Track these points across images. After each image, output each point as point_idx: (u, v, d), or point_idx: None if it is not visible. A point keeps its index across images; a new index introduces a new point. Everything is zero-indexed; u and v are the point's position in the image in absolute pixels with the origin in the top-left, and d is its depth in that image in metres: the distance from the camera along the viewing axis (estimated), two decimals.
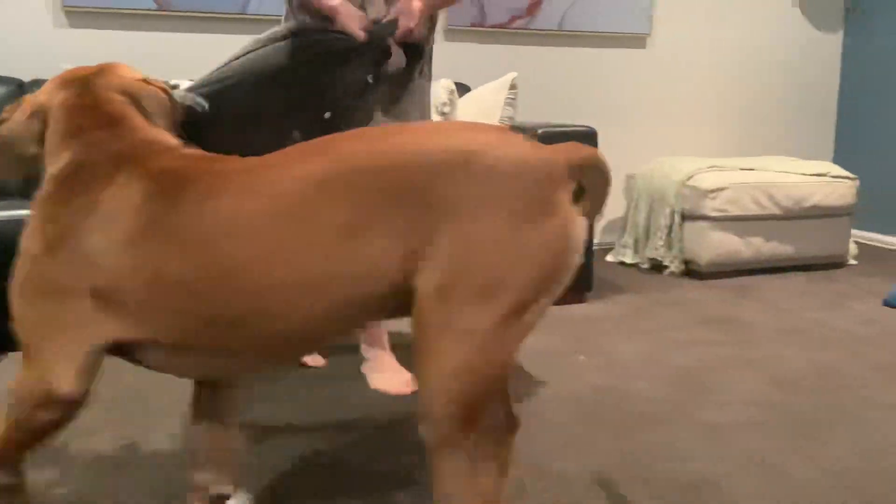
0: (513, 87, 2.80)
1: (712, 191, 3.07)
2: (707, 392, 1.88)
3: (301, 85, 1.42)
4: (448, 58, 3.41)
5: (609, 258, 3.46)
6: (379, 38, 1.52)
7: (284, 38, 1.42)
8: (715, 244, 3.08)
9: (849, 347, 2.22)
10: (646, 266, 3.28)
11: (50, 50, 2.89)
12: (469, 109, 2.86)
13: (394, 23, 1.56)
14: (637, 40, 3.67)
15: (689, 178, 3.15)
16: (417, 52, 1.68)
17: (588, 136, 2.65)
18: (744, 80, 3.92)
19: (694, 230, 3.10)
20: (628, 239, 3.40)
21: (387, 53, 1.53)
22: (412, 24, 1.58)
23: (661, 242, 3.20)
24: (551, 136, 2.59)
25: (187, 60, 3.02)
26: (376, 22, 1.57)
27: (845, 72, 4.06)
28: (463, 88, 3.16)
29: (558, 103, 3.58)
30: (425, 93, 1.86)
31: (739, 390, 1.89)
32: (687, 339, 2.30)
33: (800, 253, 3.21)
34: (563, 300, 2.63)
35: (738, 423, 1.70)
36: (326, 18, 1.59)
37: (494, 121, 2.78)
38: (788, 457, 1.53)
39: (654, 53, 3.72)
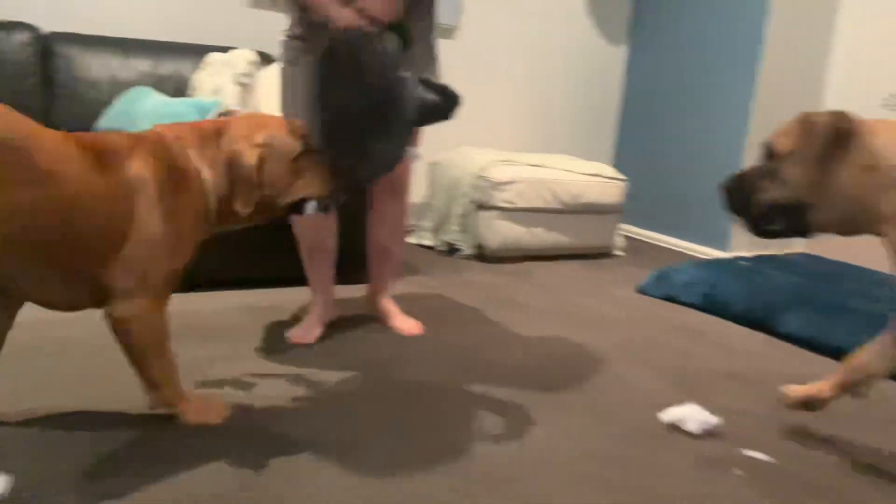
0: None
1: (503, 183, 3.30)
2: (476, 367, 2.05)
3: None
4: (256, 26, 3.33)
5: (411, 240, 3.60)
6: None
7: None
8: (503, 232, 3.32)
9: (600, 327, 2.52)
10: (443, 249, 3.46)
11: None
12: (272, 81, 2.82)
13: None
14: (446, 31, 3.82)
15: (483, 170, 3.36)
16: (406, 34, 1.84)
17: None
18: (538, 79, 4.23)
19: (485, 218, 3.33)
20: (428, 223, 3.55)
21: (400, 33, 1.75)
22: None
23: (457, 228, 3.39)
24: None
25: None
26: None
27: (628, 82, 4.54)
28: (270, 60, 3.11)
29: None
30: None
31: (505, 365, 2.08)
32: (468, 318, 2.48)
33: (575, 243, 3.56)
34: (357, 280, 2.72)
35: (497, 396, 1.88)
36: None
37: None
38: (534, 425, 1.73)
39: (461, 45, 3.90)
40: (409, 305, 2.55)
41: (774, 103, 3.81)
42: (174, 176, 1.38)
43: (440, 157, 3.64)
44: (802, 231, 1.55)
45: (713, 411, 1.81)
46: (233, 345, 2.04)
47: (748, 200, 1.58)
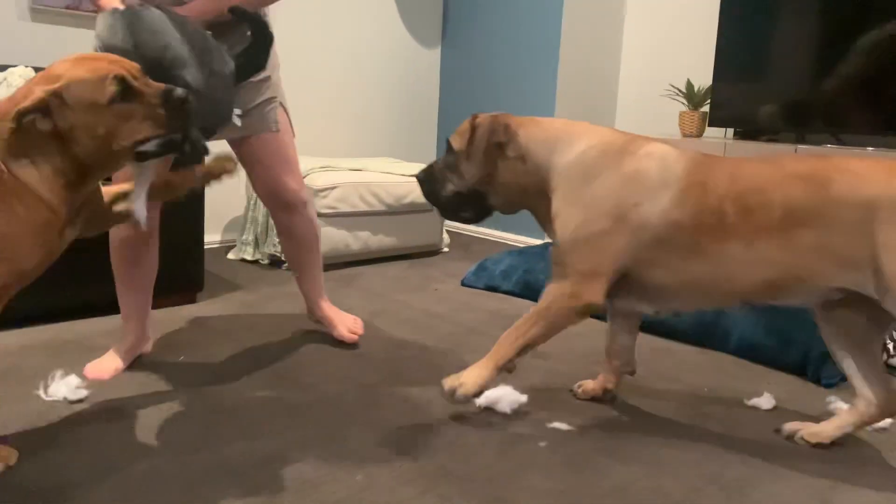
0: None
1: (323, 190, 3.30)
2: (296, 376, 2.04)
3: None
4: (37, 42, 3.08)
5: (231, 255, 3.49)
6: None
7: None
8: (327, 239, 3.32)
9: (424, 323, 2.60)
10: (266, 262, 3.39)
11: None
12: None
13: None
14: None
15: (303, 177, 3.32)
16: (261, 28, 1.72)
17: None
18: (355, 84, 4.27)
19: None
20: (248, 236, 3.47)
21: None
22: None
23: (278, 239, 3.33)
24: None
25: None
26: None
27: (443, 82, 4.69)
28: None
29: None
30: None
31: (324, 371, 2.09)
32: (290, 329, 2.45)
33: (402, 244, 3.63)
34: (172, 301, 2.60)
35: (313, 400, 1.88)
36: None
37: None
38: (352, 425, 1.75)
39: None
40: (229, 323, 2.49)
41: (575, 94, 4.11)
42: None
43: None
44: (487, 214, 1.81)
45: (523, 391, 1.94)
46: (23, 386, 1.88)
47: (437, 191, 1.80)
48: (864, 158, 1.60)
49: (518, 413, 1.87)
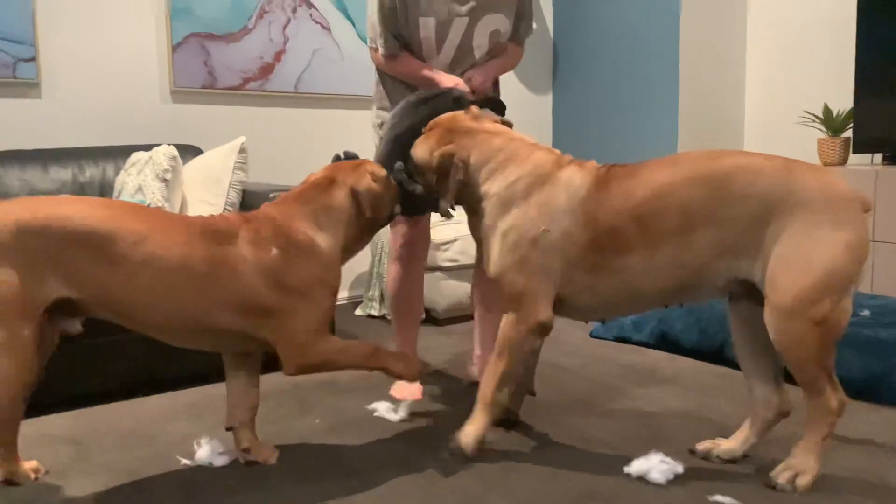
0: (242, 150, 2.80)
1: (444, 243, 3.30)
2: (426, 440, 2.00)
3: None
4: (178, 120, 3.32)
5: (358, 311, 3.55)
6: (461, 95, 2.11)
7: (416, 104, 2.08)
8: (449, 292, 3.31)
9: (553, 378, 2.50)
10: (391, 317, 3.41)
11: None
12: (197, 174, 2.81)
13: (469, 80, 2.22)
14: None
15: None
16: (502, 108, 2.18)
17: None
18: None
19: (431, 280, 3.31)
20: (374, 291, 3.52)
21: (494, 106, 2.13)
22: (479, 78, 2.22)
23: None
24: None
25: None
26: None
27: (556, 126, 4.64)
28: (195, 151, 3.10)
29: (296, 165, 3.64)
30: None
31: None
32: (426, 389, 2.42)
33: None
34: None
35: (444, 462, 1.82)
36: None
37: (225, 186, 2.75)
38: (488, 492, 1.68)
39: None
40: (368, 378, 2.50)
41: (698, 127, 3.93)
42: (283, 244, 1.69)
43: None
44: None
45: (675, 455, 1.79)
46: None
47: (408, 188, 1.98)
48: (763, 154, 1.67)
49: (674, 483, 1.72)
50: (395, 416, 2.15)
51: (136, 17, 3.18)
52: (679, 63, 3.87)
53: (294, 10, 3.55)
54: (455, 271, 3.33)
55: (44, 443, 2.01)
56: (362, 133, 3.84)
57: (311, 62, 3.62)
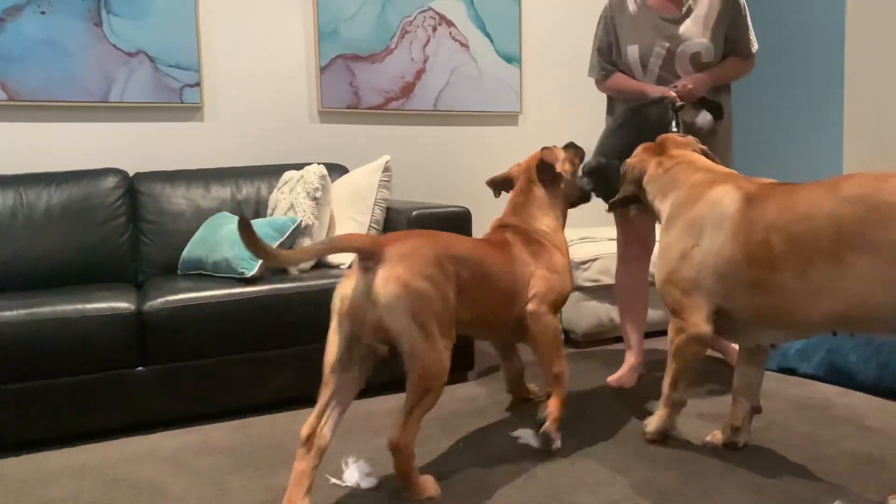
0: (386, 169, 2.84)
1: (585, 262, 3.19)
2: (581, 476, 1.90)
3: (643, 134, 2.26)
4: (325, 140, 3.44)
5: None
6: (671, 101, 2.37)
7: (636, 111, 2.38)
8: (590, 314, 3.18)
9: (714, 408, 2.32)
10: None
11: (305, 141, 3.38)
12: (344, 192, 2.87)
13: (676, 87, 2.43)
14: (509, 118, 3.84)
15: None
16: (719, 111, 2.46)
17: (462, 217, 2.70)
18: None
19: (570, 300, 3.20)
20: None
21: (710, 107, 2.45)
22: (689, 85, 2.41)
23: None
24: (425, 218, 2.63)
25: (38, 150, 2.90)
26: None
27: None
28: (341, 170, 3.18)
29: (436, 183, 3.66)
30: (728, 142, 2.64)
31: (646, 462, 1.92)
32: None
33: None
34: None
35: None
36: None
37: (370, 203, 2.79)
38: None
39: (525, 130, 3.89)
40: (496, 403, 2.44)
41: (865, 148, 3.59)
42: (528, 241, 2.14)
43: None
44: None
45: None
46: None
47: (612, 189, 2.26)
48: None
49: None
50: (535, 443, 2.07)
51: (287, 41, 3.33)
52: (845, 74, 3.55)
53: (434, 29, 3.59)
54: (595, 291, 3.20)
55: (206, 451, 2.10)
56: (500, 149, 3.82)
57: (450, 80, 3.64)
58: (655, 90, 2.43)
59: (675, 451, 2.02)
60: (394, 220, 2.77)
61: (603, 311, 3.21)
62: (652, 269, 3.13)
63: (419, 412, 1.67)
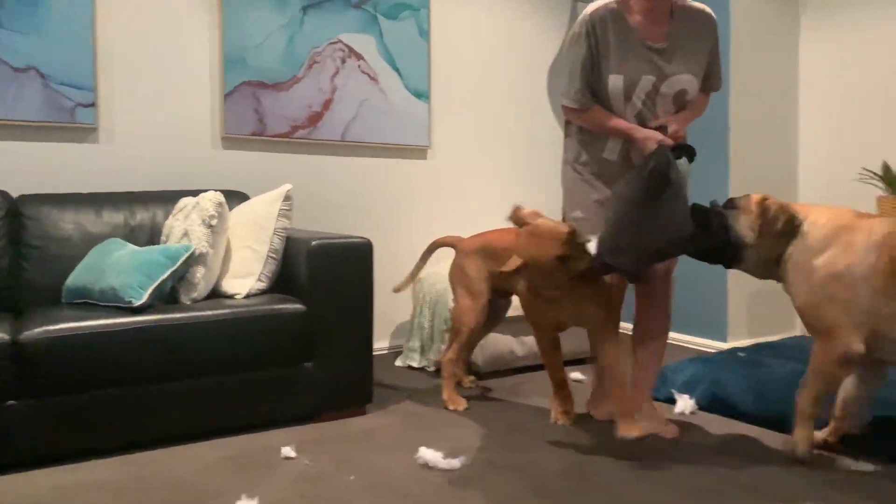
0: (287, 198, 2.81)
1: None
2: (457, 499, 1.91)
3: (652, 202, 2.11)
4: (227, 167, 3.37)
5: (398, 362, 3.50)
6: (670, 148, 2.22)
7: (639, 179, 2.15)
8: (491, 344, 3.23)
9: (597, 442, 2.39)
10: (431, 369, 3.35)
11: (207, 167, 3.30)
12: (243, 220, 2.82)
13: (665, 128, 2.30)
14: (418, 152, 3.89)
15: None
16: (692, 153, 2.31)
17: (362, 248, 2.70)
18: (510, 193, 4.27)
19: None
20: (415, 342, 3.46)
21: (686, 152, 2.29)
22: (675, 126, 2.32)
23: (444, 345, 3.30)
24: (325, 248, 2.61)
25: None
26: (659, 128, 2.30)
27: None
28: (241, 197, 3.13)
29: (340, 213, 3.65)
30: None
31: (496, 493, 1.94)
32: (458, 447, 2.34)
33: (577, 348, 3.44)
34: (341, 413, 2.61)
35: None
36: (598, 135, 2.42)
37: (269, 233, 2.75)
38: None
39: (434, 164, 3.95)
40: (393, 436, 2.43)
41: (751, 182, 3.83)
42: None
43: (423, 272, 3.60)
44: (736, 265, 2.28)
45: None
46: None
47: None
48: None
49: None
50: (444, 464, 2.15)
51: (191, 64, 3.26)
52: (729, 120, 3.81)
53: (343, 61, 3.61)
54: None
55: (89, 489, 1.98)
56: (409, 181, 3.85)
57: (359, 112, 3.66)
58: (642, 133, 2.29)
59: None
60: (293, 249, 2.74)
61: (503, 342, 3.26)
62: None
63: (456, 341, 2.83)
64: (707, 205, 2.27)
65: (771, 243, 2.16)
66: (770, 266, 2.20)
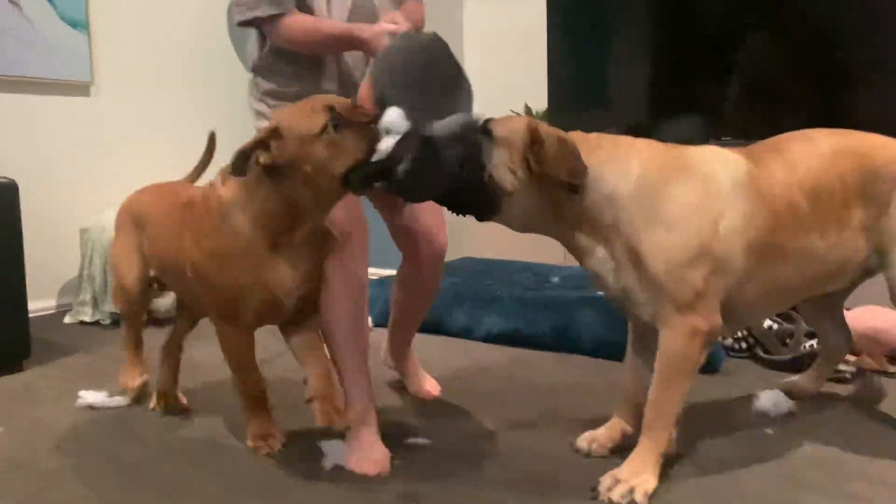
0: None
1: None
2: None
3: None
4: None
5: (68, 319, 3.19)
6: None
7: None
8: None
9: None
10: (107, 322, 3.13)
11: None
12: None
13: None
14: (79, 88, 3.51)
15: None
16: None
17: (8, 189, 2.42)
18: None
19: None
20: (85, 296, 3.19)
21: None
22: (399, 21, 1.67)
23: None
24: None
25: None
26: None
27: None
28: None
29: None
30: None
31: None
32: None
33: None
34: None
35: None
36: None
37: None
38: None
39: (98, 102, 3.60)
40: (55, 390, 2.25)
41: None
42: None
43: (90, 222, 3.31)
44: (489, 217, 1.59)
45: None
46: None
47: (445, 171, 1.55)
48: (875, 134, 1.62)
49: None
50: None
51: None
52: None
53: None
54: None
55: None
56: (69, 120, 3.46)
57: None
58: (369, 29, 1.68)
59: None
60: None
61: None
62: None
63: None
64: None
65: (549, 191, 1.45)
66: (546, 217, 1.49)
